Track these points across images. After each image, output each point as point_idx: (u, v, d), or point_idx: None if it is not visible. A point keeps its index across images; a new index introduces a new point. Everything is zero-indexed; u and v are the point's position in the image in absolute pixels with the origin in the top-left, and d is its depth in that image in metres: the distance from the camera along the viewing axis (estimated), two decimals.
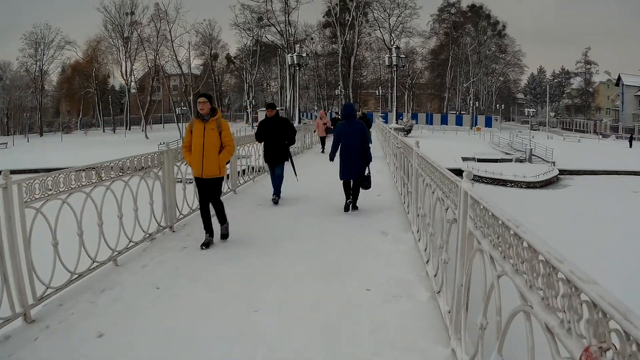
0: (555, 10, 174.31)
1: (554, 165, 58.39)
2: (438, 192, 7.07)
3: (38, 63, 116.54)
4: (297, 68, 44.21)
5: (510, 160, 60.52)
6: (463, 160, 57.42)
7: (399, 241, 10.10)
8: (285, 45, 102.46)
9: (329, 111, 74.52)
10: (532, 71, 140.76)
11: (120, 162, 8.86)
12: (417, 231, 9.75)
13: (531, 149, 62.46)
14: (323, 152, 30.89)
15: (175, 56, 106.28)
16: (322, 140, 32.80)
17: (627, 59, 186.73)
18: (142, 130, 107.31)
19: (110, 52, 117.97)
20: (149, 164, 10.04)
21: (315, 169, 20.91)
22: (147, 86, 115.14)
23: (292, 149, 17.24)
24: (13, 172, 6.36)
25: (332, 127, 33.57)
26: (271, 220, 12.30)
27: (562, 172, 56.67)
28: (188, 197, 11.85)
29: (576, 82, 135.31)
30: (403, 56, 41.77)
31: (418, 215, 9.61)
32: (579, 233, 30.15)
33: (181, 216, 11.67)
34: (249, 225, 11.44)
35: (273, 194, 14.44)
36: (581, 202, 42.30)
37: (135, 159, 9.43)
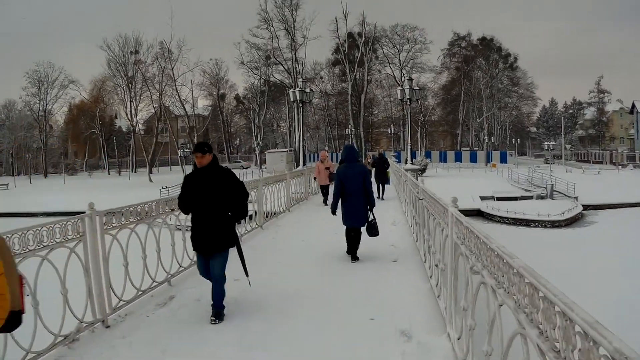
0: (563, 42, 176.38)
1: (577, 200, 55.12)
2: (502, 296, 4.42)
3: (42, 102, 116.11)
4: (301, 105, 40.62)
5: (531, 198, 57.24)
6: (481, 199, 54.84)
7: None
8: (293, 84, 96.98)
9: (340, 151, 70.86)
10: (544, 103, 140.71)
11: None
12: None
13: (552, 184, 59.12)
14: (326, 203, 24.55)
15: (178, 95, 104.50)
16: (324, 190, 25.64)
17: (638, 86, 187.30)
18: (149, 173, 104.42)
19: (115, 92, 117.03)
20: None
21: (314, 230, 17.22)
22: (153, 127, 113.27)
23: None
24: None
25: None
26: None
27: (586, 207, 53.39)
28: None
29: (589, 113, 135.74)
30: (417, 88, 38.29)
31: (470, 329, 5.57)
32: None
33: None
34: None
35: (211, 315, 8.18)
36: (614, 239, 39.27)
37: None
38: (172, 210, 10.52)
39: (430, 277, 9.78)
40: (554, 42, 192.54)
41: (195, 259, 9.93)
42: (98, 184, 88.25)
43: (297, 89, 38.61)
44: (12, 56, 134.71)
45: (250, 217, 16.63)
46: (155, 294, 9.61)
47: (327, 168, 25.59)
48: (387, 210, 18.16)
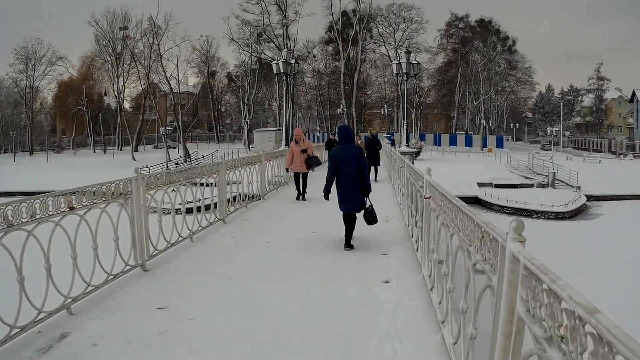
0: (562, 28, 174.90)
1: (580, 190, 52.40)
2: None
3: (29, 79, 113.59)
4: (285, 78, 36.54)
5: (531, 186, 54.59)
6: (479, 186, 52.27)
7: None
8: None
9: (330, 132, 66.56)
10: (540, 89, 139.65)
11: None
12: None
13: (554, 172, 56.49)
14: (301, 198, 19.40)
15: (164, 71, 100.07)
16: (300, 180, 19.62)
17: (636, 75, 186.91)
18: (135, 151, 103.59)
19: (105, 69, 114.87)
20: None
21: (287, 227, 14.16)
22: (144, 105, 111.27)
23: None
24: None
25: (327, 149, 30.00)
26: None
27: (589, 197, 50.65)
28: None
29: (587, 100, 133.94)
30: (415, 62, 34.58)
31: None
32: None
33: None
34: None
35: None
36: (623, 234, 36.86)
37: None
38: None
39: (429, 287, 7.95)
40: (552, 31, 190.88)
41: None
42: (80, 162, 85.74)
43: (281, 60, 34.57)
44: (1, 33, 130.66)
45: (207, 207, 13.71)
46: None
47: (304, 151, 19.27)
48: (378, 198, 14.76)
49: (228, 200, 15.35)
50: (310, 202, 18.17)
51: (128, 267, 9.10)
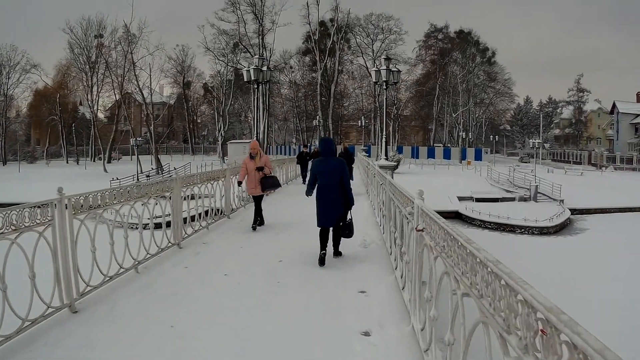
0: (541, 41, 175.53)
1: (563, 203, 51.04)
2: None
3: (3, 87, 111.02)
4: (257, 87, 34.00)
5: (513, 199, 53.48)
6: (459, 200, 50.92)
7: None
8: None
9: (309, 144, 64.12)
10: (519, 101, 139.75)
11: None
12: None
13: (536, 185, 55.01)
14: (254, 227, 15.30)
15: (136, 80, 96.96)
16: (255, 203, 16.03)
17: (615, 87, 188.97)
18: (109, 162, 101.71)
19: (79, 78, 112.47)
20: None
21: (252, 253, 12.18)
22: (117, 115, 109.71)
23: None
24: None
25: (298, 163, 31.30)
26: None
27: (572, 211, 49.42)
28: None
29: (566, 112, 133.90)
30: (395, 69, 32.58)
31: None
32: None
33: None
34: None
35: None
36: (610, 250, 35.50)
37: None
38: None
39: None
40: (531, 43, 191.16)
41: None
42: (51, 173, 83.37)
43: (252, 67, 32.41)
44: None
45: (158, 225, 11.66)
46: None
47: (260, 169, 15.74)
48: (353, 215, 12.84)
49: (186, 219, 13.43)
50: (278, 226, 16.11)
51: (51, 310, 7.48)
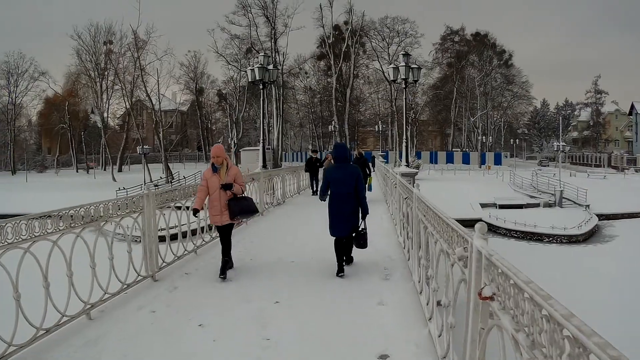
0: (557, 44, 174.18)
1: (589, 209, 48.73)
2: None
3: (11, 95, 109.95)
4: (262, 88, 30.69)
5: (537, 205, 51.13)
6: (482, 207, 48.63)
7: None
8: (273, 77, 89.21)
9: (319, 149, 60.66)
10: (536, 104, 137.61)
11: None
12: None
13: (561, 190, 52.85)
14: (223, 277, 10.23)
15: (145, 86, 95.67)
16: (221, 238, 10.98)
17: (631, 88, 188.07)
18: (119, 171, 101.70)
19: (90, 86, 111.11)
20: None
21: (240, 302, 8.92)
22: (135, 122, 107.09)
23: None
24: None
25: (306, 171, 28.78)
26: None
27: (599, 217, 46.96)
28: None
29: (584, 114, 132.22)
30: (415, 66, 29.74)
31: None
32: None
33: None
34: None
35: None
36: None
37: None
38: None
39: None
40: (547, 46, 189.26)
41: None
42: (59, 183, 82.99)
43: (257, 65, 29.56)
44: None
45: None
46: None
47: (227, 187, 10.65)
48: (372, 230, 11.61)
49: (173, 236, 11.32)
50: (279, 246, 13.47)
51: None
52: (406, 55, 29.12)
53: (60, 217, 7.41)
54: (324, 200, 11.09)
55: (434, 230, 6.59)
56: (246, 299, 8.68)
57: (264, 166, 27.70)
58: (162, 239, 10.81)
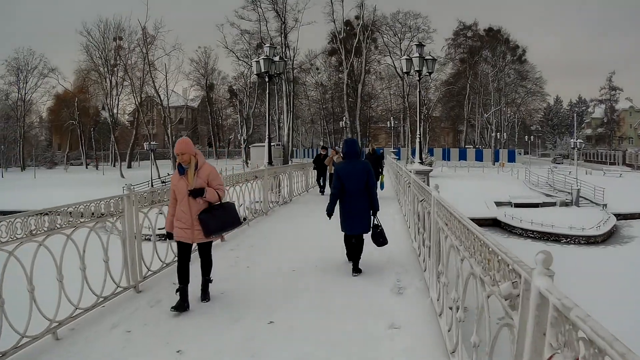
0: (570, 40, 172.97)
1: (606, 208, 47.54)
2: None
3: (21, 91, 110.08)
4: (268, 80, 29.44)
5: (553, 204, 49.75)
6: (497, 205, 47.42)
7: None
8: (283, 72, 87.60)
9: (329, 146, 59.86)
10: (549, 101, 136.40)
11: None
12: None
13: (578, 189, 51.62)
14: (206, 300, 8.47)
15: (153, 82, 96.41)
16: (200, 253, 8.68)
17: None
18: (129, 167, 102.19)
19: (99, 82, 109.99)
20: None
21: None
22: (143, 119, 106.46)
23: None
24: None
25: (315, 169, 26.80)
26: None
27: (617, 216, 45.53)
28: None
29: (598, 111, 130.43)
30: (430, 58, 28.33)
31: None
32: None
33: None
34: None
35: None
36: None
37: None
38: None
39: None
40: (560, 43, 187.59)
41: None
42: (66, 179, 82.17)
43: (262, 57, 28.37)
44: None
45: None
46: None
47: (197, 193, 8.14)
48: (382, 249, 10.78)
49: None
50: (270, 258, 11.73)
51: None
52: (420, 46, 27.88)
53: (20, 223, 6.39)
54: (332, 216, 10.49)
55: (459, 245, 5.27)
56: (235, 318, 7.47)
57: (270, 163, 26.66)
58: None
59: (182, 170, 8.17)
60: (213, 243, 9.09)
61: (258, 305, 8.10)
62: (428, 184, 15.62)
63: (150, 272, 9.73)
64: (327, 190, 24.58)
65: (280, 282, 9.59)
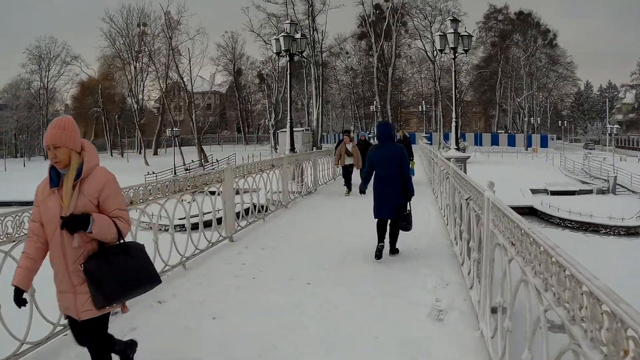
0: (599, 25, 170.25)
1: None
2: None
3: (43, 80, 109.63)
4: (289, 59, 27.23)
5: (590, 192, 48.13)
6: (532, 193, 45.86)
7: None
8: (311, 55, 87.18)
9: (343, 130, 57.59)
10: (580, 86, 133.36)
11: None
12: None
13: (615, 176, 49.67)
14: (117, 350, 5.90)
15: (177, 67, 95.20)
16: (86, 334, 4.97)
17: None
18: (155, 154, 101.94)
19: (123, 69, 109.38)
20: None
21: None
22: (165, 106, 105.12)
23: None
24: None
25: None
26: None
27: None
28: None
29: (628, 97, 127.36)
30: (465, 34, 26.35)
31: None
32: None
33: None
34: None
35: None
36: None
37: None
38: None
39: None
40: (591, 29, 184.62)
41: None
42: None
43: (283, 34, 26.32)
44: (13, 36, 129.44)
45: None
46: None
47: (76, 225, 4.21)
48: (415, 249, 10.48)
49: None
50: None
51: None
52: (455, 21, 26.09)
53: None
54: (364, 192, 10.89)
55: (542, 287, 3.54)
56: (226, 356, 5.80)
57: (292, 150, 24.95)
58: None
59: (55, 178, 4.43)
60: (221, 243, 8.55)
61: (258, 335, 6.35)
62: (465, 172, 13.85)
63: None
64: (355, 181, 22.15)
65: (290, 300, 7.66)
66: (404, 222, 10.17)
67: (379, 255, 9.91)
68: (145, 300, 7.23)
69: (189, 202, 9.98)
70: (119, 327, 6.24)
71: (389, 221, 10.27)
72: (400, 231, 10.33)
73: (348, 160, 21.14)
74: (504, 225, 4.91)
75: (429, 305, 7.31)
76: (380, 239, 10.18)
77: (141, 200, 8.21)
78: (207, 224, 10.75)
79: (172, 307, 7.37)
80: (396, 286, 8.14)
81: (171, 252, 8.95)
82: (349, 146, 21.29)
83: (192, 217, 10.12)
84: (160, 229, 8.81)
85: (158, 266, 7.55)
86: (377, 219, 10.36)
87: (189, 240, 9.86)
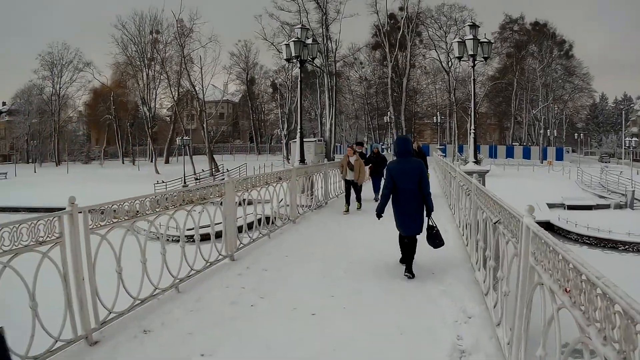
0: (614, 37, 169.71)
1: None
2: None
3: (55, 86, 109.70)
4: (299, 66, 26.21)
5: (607, 207, 47.38)
6: (549, 207, 45.04)
7: None
8: (325, 64, 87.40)
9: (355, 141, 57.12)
10: (595, 98, 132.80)
11: None
12: None
13: (633, 190, 49.05)
14: None
15: (189, 75, 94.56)
16: None
17: None
18: (166, 163, 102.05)
19: (137, 77, 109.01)
20: None
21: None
22: (179, 114, 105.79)
23: None
24: None
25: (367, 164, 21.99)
26: None
27: None
28: None
29: None
30: (485, 40, 25.43)
31: None
32: None
33: None
34: None
35: None
36: None
37: None
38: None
39: None
40: (607, 40, 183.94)
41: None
42: (100, 175, 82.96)
43: (293, 39, 25.41)
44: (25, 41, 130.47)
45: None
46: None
47: None
48: (432, 272, 9.85)
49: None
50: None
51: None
52: (474, 26, 25.31)
53: None
54: (381, 217, 10.26)
55: (596, 337, 3.01)
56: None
57: (302, 161, 24.00)
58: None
59: None
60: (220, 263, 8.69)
61: None
62: (484, 186, 13.01)
63: (113, 315, 7.45)
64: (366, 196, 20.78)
65: (289, 336, 6.79)
66: (436, 240, 10.22)
67: (410, 271, 9.74)
68: (130, 328, 7.07)
69: (191, 213, 9.30)
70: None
71: (406, 239, 10.05)
72: (417, 250, 10.05)
73: (349, 175, 19.37)
74: (551, 264, 4.01)
75: (450, 344, 6.46)
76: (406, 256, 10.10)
77: (126, 218, 7.34)
78: (207, 237, 9.92)
79: (158, 339, 6.68)
80: (412, 320, 7.19)
81: (162, 273, 8.11)
82: (352, 159, 19.59)
83: (187, 230, 9.03)
84: (163, 240, 8.39)
85: (147, 290, 7.74)
86: (400, 235, 10.30)
87: (184, 260, 8.95)
